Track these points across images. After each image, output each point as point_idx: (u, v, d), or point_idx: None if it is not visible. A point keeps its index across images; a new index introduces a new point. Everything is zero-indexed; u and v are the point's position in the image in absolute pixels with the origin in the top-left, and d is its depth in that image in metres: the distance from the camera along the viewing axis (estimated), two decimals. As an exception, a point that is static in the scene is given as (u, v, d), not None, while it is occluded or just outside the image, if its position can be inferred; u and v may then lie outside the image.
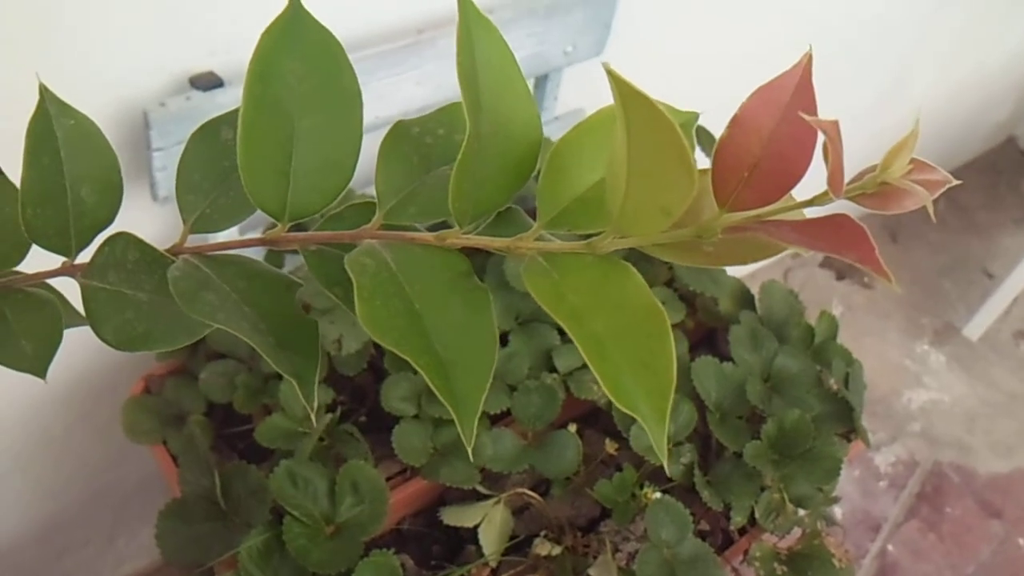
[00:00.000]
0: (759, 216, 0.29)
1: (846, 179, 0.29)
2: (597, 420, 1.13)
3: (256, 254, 0.95)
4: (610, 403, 1.08)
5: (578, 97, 1.21)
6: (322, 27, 0.34)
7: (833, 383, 1.14)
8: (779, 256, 1.26)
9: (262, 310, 0.34)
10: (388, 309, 0.30)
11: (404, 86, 0.97)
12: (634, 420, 1.01)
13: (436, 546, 1.05)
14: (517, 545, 1.00)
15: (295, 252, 0.36)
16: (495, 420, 1.02)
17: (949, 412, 1.84)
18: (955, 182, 0.28)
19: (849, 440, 1.13)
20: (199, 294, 0.33)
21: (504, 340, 1.05)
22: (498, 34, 0.33)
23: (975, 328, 1.95)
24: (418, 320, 0.31)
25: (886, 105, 1.78)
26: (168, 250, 0.36)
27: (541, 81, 1.15)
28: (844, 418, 1.11)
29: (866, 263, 0.26)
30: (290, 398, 0.96)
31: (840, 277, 2.00)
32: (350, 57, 0.92)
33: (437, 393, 0.29)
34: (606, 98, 0.36)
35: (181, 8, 0.84)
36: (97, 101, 0.85)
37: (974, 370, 1.91)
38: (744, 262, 0.30)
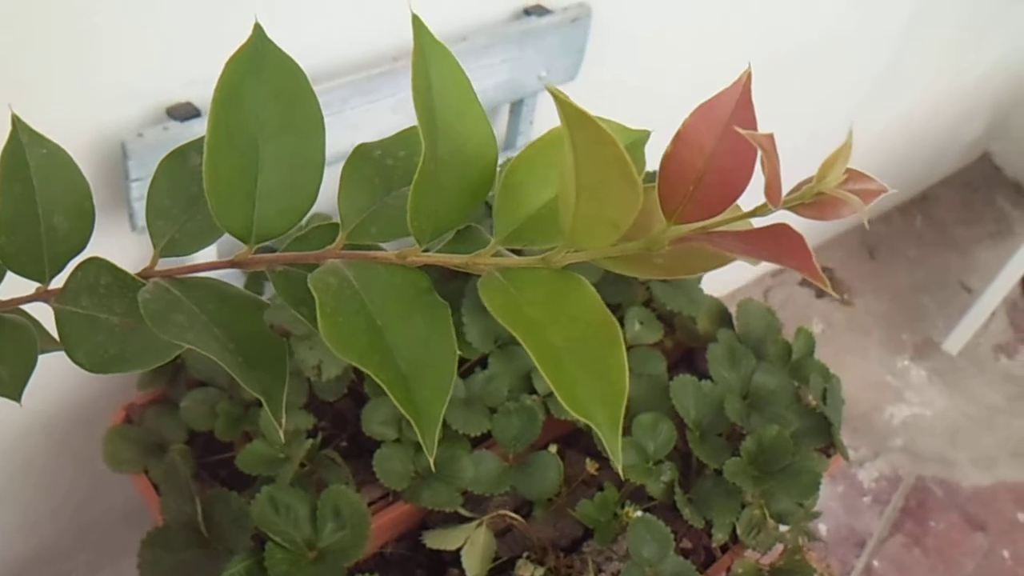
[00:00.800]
0: (704, 228, 0.30)
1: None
2: (578, 441, 1.14)
3: (236, 279, 0.95)
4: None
5: (553, 121, 1.22)
6: (285, 55, 0.35)
7: (811, 399, 1.15)
8: (758, 275, 1.28)
9: (231, 330, 0.35)
10: (351, 325, 0.31)
11: (379, 113, 0.99)
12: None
13: (419, 570, 1.05)
14: (500, 567, 1.01)
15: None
16: (476, 443, 1.03)
17: (931, 427, 1.85)
18: (890, 191, 0.29)
19: (828, 455, 1.15)
20: (169, 316, 0.34)
21: (484, 363, 1.06)
22: (453, 59, 0.34)
23: (955, 342, 1.97)
24: (380, 336, 0.32)
25: (860, 123, 1.80)
26: (139, 274, 0.37)
27: (516, 106, 1.16)
28: (823, 433, 1.13)
29: (803, 270, 0.27)
30: (270, 425, 0.97)
31: (820, 295, 2.02)
32: (324, 85, 0.93)
33: (398, 406, 0.30)
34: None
35: (158, 40, 0.85)
36: (75, 131, 0.86)
37: (955, 384, 1.93)
38: (693, 272, 0.31)
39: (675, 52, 1.31)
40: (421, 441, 0.30)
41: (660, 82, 1.30)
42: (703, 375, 1.11)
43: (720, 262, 0.31)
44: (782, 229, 0.28)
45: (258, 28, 0.35)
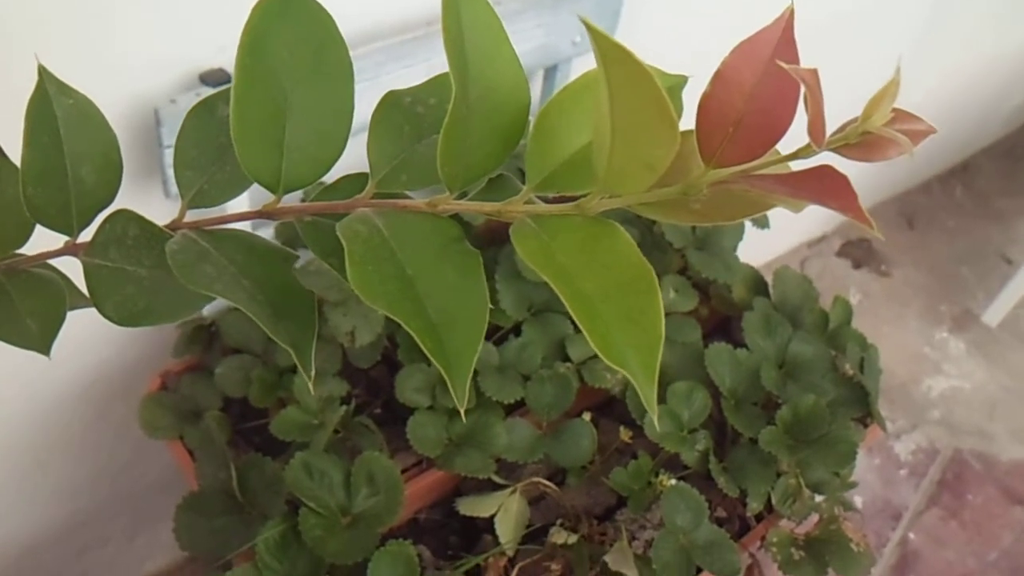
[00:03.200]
0: (744, 171, 0.29)
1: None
2: (612, 409, 1.13)
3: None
4: (624, 391, 1.09)
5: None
6: (314, 1, 0.35)
7: (848, 368, 1.14)
8: (794, 246, 1.26)
9: (259, 281, 0.35)
10: (380, 274, 0.31)
11: (414, 78, 0.97)
12: (648, 407, 1.01)
13: (453, 536, 1.05)
14: (533, 534, 1.00)
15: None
16: (510, 410, 1.03)
17: (969, 399, 1.83)
18: (936, 131, 0.28)
19: (865, 425, 1.13)
20: (197, 266, 0.34)
21: (517, 330, 1.05)
22: (484, 1, 0.33)
23: (994, 314, 1.94)
24: (410, 284, 0.31)
25: (901, 90, 1.77)
26: (167, 225, 0.36)
27: (550, 72, 1.15)
28: (860, 403, 1.11)
29: (848, 211, 0.26)
30: (304, 391, 0.97)
31: (857, 266, 1.99)
32: (359, 51, 0.92)
33: (429, 355, 0.30)
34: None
35: (190, 5, 0.84)
36: (108, 98, 0.85)
37: (994, 357, 1.90)
38: (732, 218, 0.30)
39: (712, 16, 1.29)
40: (451, 391, 0.30)
41: (697, 47, 1.28)
42: (739, 344, 1.10)
43: (759, 207, 0.30)
44: (826, 170, 0.27)
45: (286, -27, 0.34)
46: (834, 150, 0.28)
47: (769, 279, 1.19)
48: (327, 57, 0.35)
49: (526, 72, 1.08)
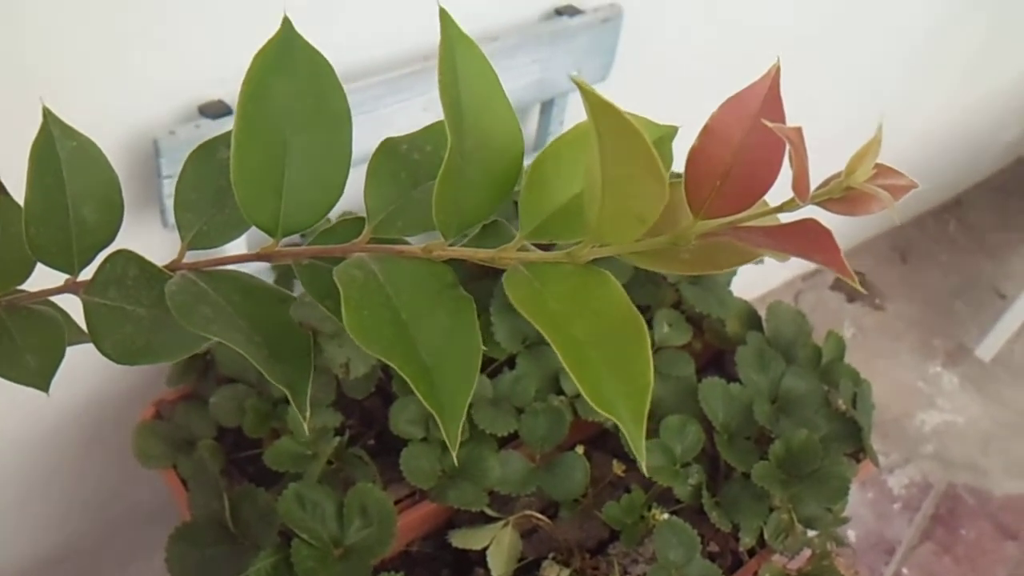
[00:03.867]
0: (732, 223, 0.30)
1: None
2: (605, 442, 1.13)
3: (265, 274, 0.96)
4: (617, 425, 1.09)
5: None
6: (313, 49, 0.36)
7: (841, 403, 1.14)
8: (788, 279, 1.27)
9: (256, 323, 0.35)
10: (375, 319, 0.31)
11: (411, 112, 0.99)
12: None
13: (445, 569, 1.05)
14: (526, 567, 1.00)
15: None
16: (503, 443, 1.03)
17: (963, 433, 1.83)
18: (918, 186, 0.29)
19: (858, 460, 1.14)
20: (195, 307, 0.35)
21: (512, 363, 1.06)
22: (480, 52, 0.34)
23: (988, 349, 1.95)
24: (404, 329, 0.32)
25: (895, 126, 1.79)
26: (166, 266, 0.37)
27: (547, 106, 1.16)
28: (852, 438, 1.12)
29: (831, 264, 0.27)
30: (298, 422, 0.97)
31: (851, 299, 2.00)
32: (357, 84, 0.93)
33: (422, 398, 0.30)
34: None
35: (190, 38, 0.85)
36: (108, 129, 0.86)
37: (987, 391, 1.90)
38: (719, 268, 0.31)
39: (708, 52, 1.31)
40: (444, 435, 0.30)
41: (692, 83, 1.29)
42: (732, 378, 1.11)
43: (747, 258, 0.31)
44: (810, 224, 0.28)
45: (287, 22, 0.35)
46: (818, 204, 0.29)
47: (763, 312, 1.20)
48: (326, 105, 0.36)
49: (522, 107, 1.09)
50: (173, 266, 0.37)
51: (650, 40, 1.20)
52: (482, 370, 1.04)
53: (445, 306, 0.33)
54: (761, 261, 1.08)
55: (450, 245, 0.34)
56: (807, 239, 0.28)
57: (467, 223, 0.34)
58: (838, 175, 0.29)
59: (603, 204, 0.29)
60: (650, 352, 0.30)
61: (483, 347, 1.01)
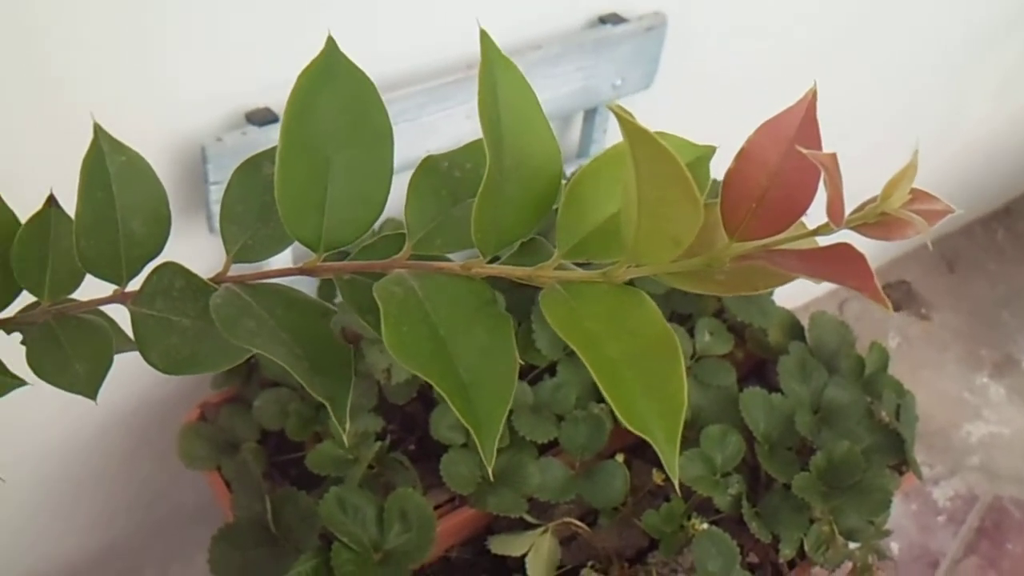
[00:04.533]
0: (766, 246, 0.30)
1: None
2: (645, 451, 1.13)
3: (309, 287, 0.97)
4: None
5: (626, 130, 1.22)
6: (356, 68, 0.36)
7: (884, 415, 1.13)
8: (833, 288, 1.26)
9: (298, 335, 0.36)
10: (414, 335, 0.32)
11: (454, 120, 1.00)
12: (681, 450, 1.01)
13: (483, 575, 1.06)
14: (564, 575, 1.01)
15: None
16: (543, 450, 1.03)
17: (1009, 445, 1.80)
18: (956, 211, 0.29)
19: (901, 472, 1.13)
20: (239, 320, 0.35)
21: (552, 370, 1.06)
22: (519, 73, 0.35)
23: (1036, 360, 1.92)
24: (442, 345, 0.32)
25: (942, 139, 1.77)
26: (211, 279, 0.38)
27: (590, 115, 1.17)
28: (895, 450, 1.11)
29: (864, 290, 0.27)
30: (340, 427, 0.98)
31: (896, 309, 1.98)
32: (402, 92, 0.94)
33: (458, 415, 0.31)
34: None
35: (237, 46, 0.87)
36: (157, 136, 0.88)
37: (1035, 403, 1.88)
38: (755, 290, 0.31)
39: (751, 62, 1.30)
40: (481, 451, 0.31)
41: (736, 92, 1.29)
42: (774, 388, 1.10)
43: (782, 280, 0.31)
44: (844, 249, 0.28)
45: (331, 41, 0.36)
46: (853, 228, 0.29)
47: (806, 322, 1.19)
48: (368, 122, 0.36)
49: (566, 115, 1.09)
50: (218, 279, 0.38)
51: (693, 49, 1.19)
52: (523, 377, 1.05)
53: (483, 323, 0.33)
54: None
55: (489, 262, 0.35)
56: (841, 264, 0.28)
57: (505, 241, 0.34)
58: (873, 200, 0.29)
59: (639, 225, 0.29)
60: (684, 372, 0.30)
61: (524, 355, 1.01)
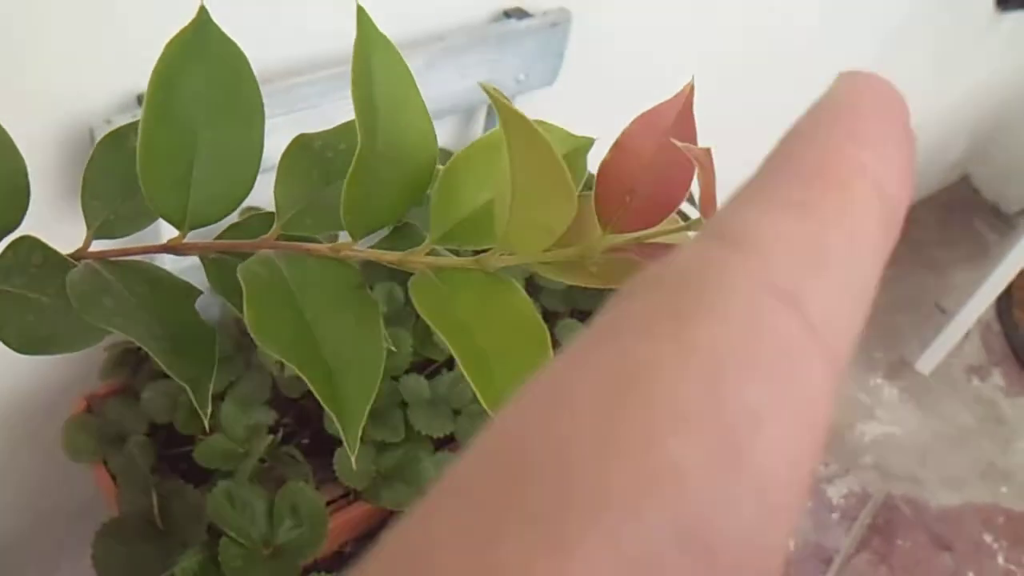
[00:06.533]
0: (639, 239, 0.30)
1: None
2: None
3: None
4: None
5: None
6: (229, 40, 0.35)
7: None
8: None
9: (160, 315, 0.35)
10: (278, 317, 0.31)
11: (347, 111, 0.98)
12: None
13: (377, 570, 1.04)
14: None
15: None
16: (439, 445, 1.02)
17: (901, 445, 1.85)
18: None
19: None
20: (97, 298, 0.34)
21: (451, 365, 1.05)
22: (396, 51, 0.34)
23: (928, 362, 1.97)
24: (307, 329, 0.31)
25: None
26: (71, 255, 0.36)
27: (493, 109, 1.16)
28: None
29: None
30: (231, 419, 0.96)
31: (796, 310, 2.01)
32: (304, 78, 0.92)
33: (322, 401, 0.30)
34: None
35: (128, 27, 0.84)
36: (44, 117, 0.85)
37: (926, 404, 1.93)
38: (628, 281, 0.31)
39: (655, 61, 1.31)
40: (344, 438, 0.30)
41: (639, 90, 1.29)
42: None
43: (656, 272, 0.30)
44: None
45: (203, 11, 0.34)
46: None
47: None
48: (239, 96, 0.35)
49: (469, 108, 1.08)
50: (78, 255, 0.36)
51: (598, 46, 1.20)
52: (420, 371, 1.04)
53: (351, 308, 0.32)
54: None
55: (359, 246, 0.33)
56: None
57: (377, 224, 0.33)
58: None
59: (512, 213, 0.29)
60: (553, 361, 0.29)
61: (422, 348, 0.99)
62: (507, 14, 1.08)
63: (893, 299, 2.12)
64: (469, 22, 1.06)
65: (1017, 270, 1.82)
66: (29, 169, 0.37)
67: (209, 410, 0.32)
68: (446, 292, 0.31)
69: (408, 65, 0.33)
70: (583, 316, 1.15)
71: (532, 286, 1.12)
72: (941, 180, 2.40)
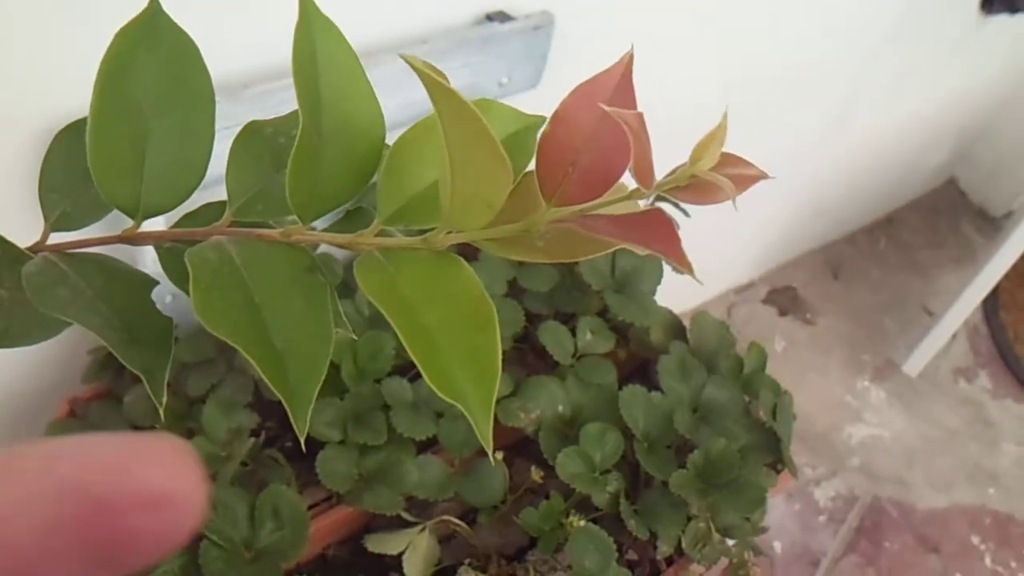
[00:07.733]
0: (583, 211, 0.30)
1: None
2: (526, 449, 1.13)
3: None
4: (538, 431, 1.09)
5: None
6: (180, 30, 0.35)
7: (762, 414, 1.15)
8: (722, 292, 1.27)
9: (117, 306, 0.35)
10: (226, 301, 0.31)
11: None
12: (560, 448, 1.01)
13: (361, 574, 1.04)
14: (443, 573, 1.00)
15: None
16: (422, 447, 1.02)
17: (888, 448, 1.86)
18: (770, 176, 0.29)
19: (777, 471, 1.14)
20: (52, 290, 0.34)
21: (433, 367, 1.05)
22: (340, 33, 0.34)
23: (915, 365, 1.98)
24: (257, 312, 0.31)
25: (827, 146, 1.82)
26: (29, 248, 0.36)
27: (475, 111, 1.16)
28: (772, 449, 1.12)
29: (669, 254, 0.27)
30: (213, 422, 0.96)
31: (783, 313, 2.02)
32: (282, 83, 0.92)
33: (270, 384, 0.30)
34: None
35: (104, 25, 0.84)
36: (28, 118, 0.85)
37: (913, 406, 1.93)
38: (574, 257, 0.31)
39: (637, 61, 1.31)
40: (292, 421, 0.30)
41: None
42: (656, 387, 1.11)
43: (601, 247, 0.31)
44: (653, 213, 0.27)
45: (153, 1, 0.35)
46: (667, 192, 0.29)
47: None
48: (190, 85, 0.35)
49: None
50: (36, 248, 0.36)
51: (580, 49, 1.20)
52: (403, 373, 1.04)
53: (301, 290, 0.32)
54: (689, 272, 1.09)
55: (309, 229, 0.34)
56: (650, 229, 0.28)
57: (326, 207, 0.34)
58: (685, 163, 0.29)
59: (453, 189, 0.29)
60: (499, 340, 0.30)
61: (406, 352, 0.99)
62: (489, 17, 1.08)
63: (880, 301, 2.12)
64: (451, 26, 1.07)
65: (1003, 272, 1.83)
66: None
67: (164, 399, 0.32)
68: (391, 271, 0.31)
69: (355, 51, 0.33)
70: (566, 318, 1.15)
71: (515, 289, 1.12)
72: (928, 183, 2.41)
